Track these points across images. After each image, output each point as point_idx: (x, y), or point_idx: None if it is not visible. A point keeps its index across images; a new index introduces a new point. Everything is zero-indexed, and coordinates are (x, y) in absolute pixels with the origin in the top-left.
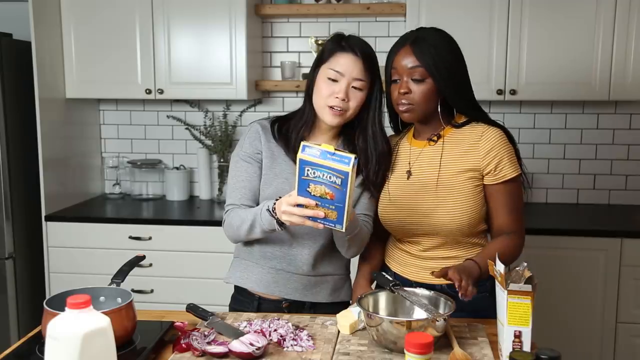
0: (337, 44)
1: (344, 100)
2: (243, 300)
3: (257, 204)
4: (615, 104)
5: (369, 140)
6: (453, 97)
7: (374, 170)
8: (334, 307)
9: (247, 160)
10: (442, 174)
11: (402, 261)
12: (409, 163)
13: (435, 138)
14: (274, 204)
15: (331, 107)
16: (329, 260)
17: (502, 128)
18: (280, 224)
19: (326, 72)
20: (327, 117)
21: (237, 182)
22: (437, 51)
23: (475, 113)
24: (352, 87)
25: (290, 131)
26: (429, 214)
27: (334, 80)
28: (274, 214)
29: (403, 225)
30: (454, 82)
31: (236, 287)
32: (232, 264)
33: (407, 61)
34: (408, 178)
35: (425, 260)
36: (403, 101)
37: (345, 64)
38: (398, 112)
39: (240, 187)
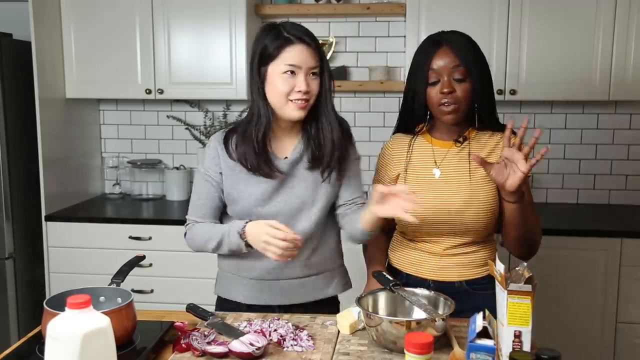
0: (279, 37)
1: (307, 92)
2: (230, 308)
3: (219, 220)
4: (615, 104)
5: (324, 127)
6: (484, 100)
7: (330, 155)
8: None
9: (207, 180)
10: (473, 174)
11: (418, 261)
12: (435, 162)
13: (461, 139)
14: (244, 227)
15: (294, 101)
16: (321, 255)
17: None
18: (248, 245)
19: (279, 68)
20: (292, 113)
21: (199, 199)
22: (474, 52)
23: (493, 117)
24: (311, 73)
25: (250, 140)
26: (462, 212)
27: (292, 73)
28: (242, 237)
29: (428, 224)
30: (486, 85)
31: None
32: (218, 275)
33: (448, 60)
34: (437, 177)
35: (444, 258)
36: (447, 101)
37: (298, 56)
38: (438, 114)
39: (201, 205)
